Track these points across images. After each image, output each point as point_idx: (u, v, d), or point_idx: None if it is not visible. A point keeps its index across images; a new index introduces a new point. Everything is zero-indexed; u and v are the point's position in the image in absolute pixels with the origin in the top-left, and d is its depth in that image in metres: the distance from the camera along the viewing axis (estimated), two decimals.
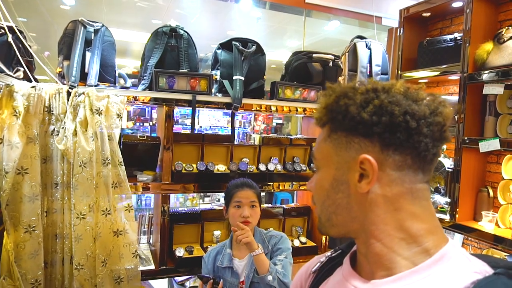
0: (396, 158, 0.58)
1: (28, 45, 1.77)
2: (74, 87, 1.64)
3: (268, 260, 1.55)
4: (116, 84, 1.92)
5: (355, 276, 0.64)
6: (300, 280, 0.82)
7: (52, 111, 1.59)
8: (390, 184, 0.59)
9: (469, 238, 2.22)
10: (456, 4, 2.25)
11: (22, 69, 1.67)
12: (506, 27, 1.92)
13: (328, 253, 0.79)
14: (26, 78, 1.68)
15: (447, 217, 2.09)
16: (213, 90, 2.01)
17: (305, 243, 2.30)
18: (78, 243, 1.58)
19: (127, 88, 1.96)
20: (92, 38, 1.76)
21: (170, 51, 1.95)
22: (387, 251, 0.59)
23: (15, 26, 1.70)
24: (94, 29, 1.76)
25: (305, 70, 2.20)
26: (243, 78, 1.98)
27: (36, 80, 1.73)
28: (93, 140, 1.61)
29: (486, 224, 1.94)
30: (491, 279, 0.51)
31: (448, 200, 2.13)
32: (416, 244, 0.58)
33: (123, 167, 1.69)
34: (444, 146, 2.28)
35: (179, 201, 4.40)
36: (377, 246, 0.60)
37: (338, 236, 0.66)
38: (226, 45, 2.06)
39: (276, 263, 1.59)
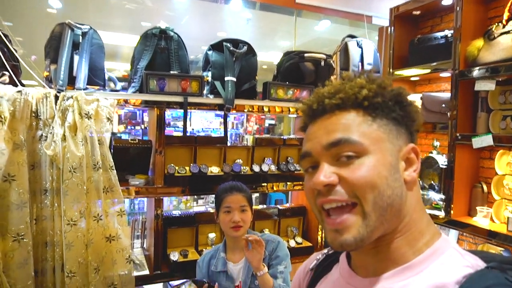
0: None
1: (14, 49, 1.73)
2: (62, 91, 1.60)
3: (266, 268, 1.53)
4: (106, 88, 1.88)
5: (351, 274, 0.64)
6: (299, 279, 0.81)
7: (40, 116, 1.55)
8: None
9: (464, 234, 2.22)
10: (446, 2, 2.25)
11: (7, 73, 1.63)
12: (496, 24, 1.92)
13: (325, 251, 0.79)
14: (12, 82, 1.63)
15: (442, 214, 2.09)
16: (204, 92, 1.99)
17: (301, 243, 2.29)
18: (70, 250, 1.54)
19: (117, 91, 1.93)
20: (80, 41, 1.73)
21: (160, 53, 1.92)
22: (405, 244, 0.59)
23: (0, 30, 1.66)
24: (82, 32, 1.73)
25: (297, 70, 2.18)
26: (234, 79, 1.96)
27: (23, 85, 1.69)
28: (82, 144, 1.57)
29: (481, 219, 1.94)
30: (483, 273, 0.51)
31: (443, 196, 2.13)
32: (421, 236, 0.59)
33: (115, 171, 1.66)
34: (437, 143, 2.28)
35: (172, 204, 4.35)
36: (398, 241, 0.59)
37: (370, 240, 0.57)
38: (217, 46, 2.04)
39: (277, 276, 1.57)
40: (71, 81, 1.68)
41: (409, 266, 0.57)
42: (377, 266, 0.60)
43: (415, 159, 0.60)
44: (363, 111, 0.59)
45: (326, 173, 0.57)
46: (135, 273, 1.80)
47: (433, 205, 2.19)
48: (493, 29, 1.92)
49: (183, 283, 2.19)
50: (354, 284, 0.62)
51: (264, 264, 1.54)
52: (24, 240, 1.47)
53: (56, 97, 1.58)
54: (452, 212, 2.04)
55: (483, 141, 1.89)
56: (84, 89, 1.68)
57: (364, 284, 0.60)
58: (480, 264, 0.54)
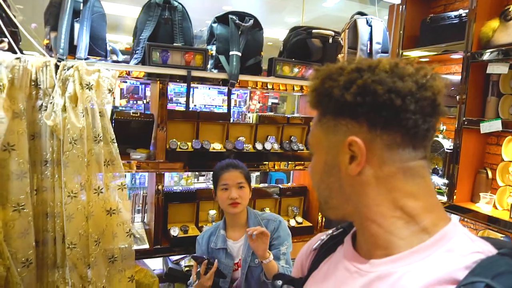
0: (385, 137, 0.56)
1: (13, 14, 1.67)
2: (63, 60, 1.56)
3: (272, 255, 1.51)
4: (108, 59, 1.83)
5: (355, 256, 0.63)
6: (301, 259, 0.81)
7: (40, 85, 1.51)
8: (380, 165, 0.57)
9: (466, 220, 2.22)
10: None
11: (6, 40, 1.57)
12: None
13: (330, 231, 0.78)
14: (11, 49, 1.59)
15: (444, 198, 2.08)
16: (208, 66, 1.94)
17: (301, 223, 2.29)
18: (70, 222, 1.54)
19: (119, 62, 1.88)
20: (81, 8, 1.66)
21: (164, 24, 1.86)
22: (383, 232, 0.58)
23: None
24: None
25: (304, 46, 2.12)
26: (240, 54, 1.91)
27: (22, 53, 1.64)
28: (83, 116, 1.54)
29: (484, 205, 1.93)
30: (494, 259, 0.49)
31: (446, 181, 2.11)
32: (414, 223, 0.57)
33: (116, 144, 1.63)
34: (444, 127, 2.24)
35: (173, 180, 4.36)
36: (373, 227, 0.59)
37: (336, 219, 0.66)
38: (222, 19, 1.97)
39: (280, 258, 1.56)
40: (72, 50, 1.63)
41: (415, 250, 0.55)
42: (370, 249, 0.60)
43: (357, 152, 0.57)
44: (319, 109, 0.64)
45: (310, 164, 0.70)
46: (135, 247, 1.80)
47: (436, 189, 2.17)
48: (510, 9, 1.84)
49: (183, 258, 2.21)
50: (357, 266, 0.61)
51: (270, 252, 1.51)
52: (25, 210, 1.47)
53: (57, 66, 1.54)
54: (455, 197, 2.03)
55: (491, 126, 1.85)
56: (85, 59, 1.63)
57: (366, 266, 0.59)
58: (492, 250, 0.52)
